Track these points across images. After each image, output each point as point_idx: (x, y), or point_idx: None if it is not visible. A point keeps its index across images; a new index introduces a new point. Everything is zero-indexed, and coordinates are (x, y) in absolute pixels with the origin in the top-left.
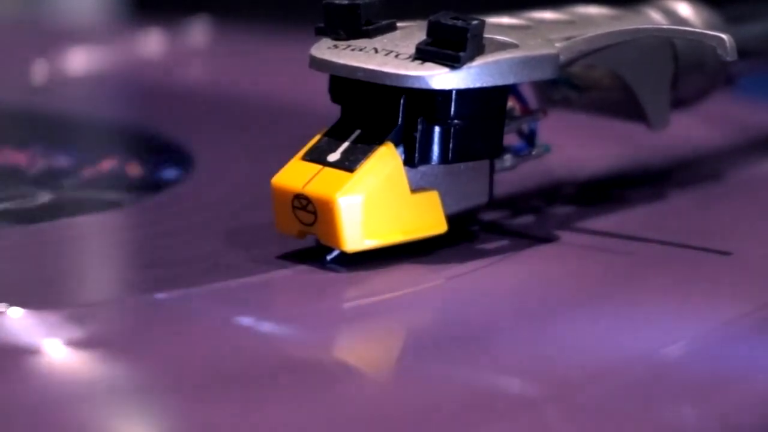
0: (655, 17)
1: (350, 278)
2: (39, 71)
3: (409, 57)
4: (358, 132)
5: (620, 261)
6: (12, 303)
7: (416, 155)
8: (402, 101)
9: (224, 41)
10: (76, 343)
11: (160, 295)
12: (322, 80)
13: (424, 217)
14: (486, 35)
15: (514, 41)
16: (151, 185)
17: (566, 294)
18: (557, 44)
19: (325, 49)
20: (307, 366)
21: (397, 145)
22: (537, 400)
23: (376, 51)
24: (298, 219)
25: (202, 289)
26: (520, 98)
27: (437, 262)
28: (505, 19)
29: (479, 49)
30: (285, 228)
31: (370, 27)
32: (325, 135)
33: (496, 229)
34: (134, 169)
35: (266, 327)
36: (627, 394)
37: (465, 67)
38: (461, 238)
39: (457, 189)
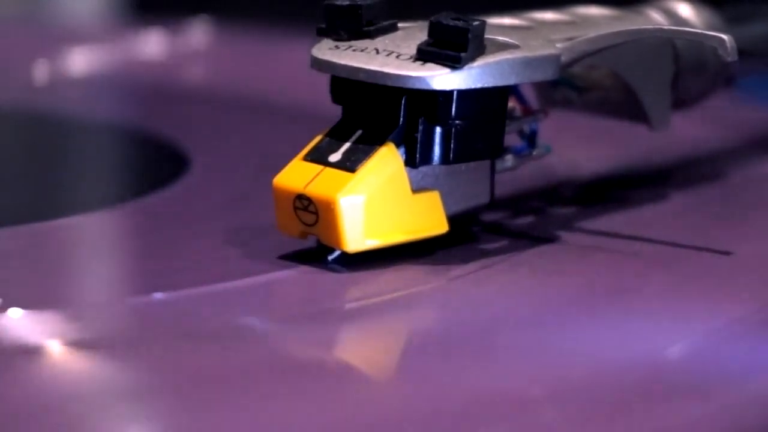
0: (656, 18)
1: (351, 279)
2: (39, 71)
3: (411, 57)
4: (359, 132)
5: (621, 261)
6: (12, 303)
7: (417, 156)
8: (403, 102)
9: (224, 42)
10: (75, 343)
11: (160, 296)
12: (323, 81)
13: (425, 217)
14: (487, 36)
15: (516, 42)
16: (151, 185)
17: (567, 294)
18: (558, 45)
19: (326, 50)
20: (308, 366)
21: (398, 145)
22: (538, 401)
23: (378, 52)
24: (299, 219)
25: (203, 289)
26: (521, 99)
27: (438, 262)
28: (506, 20)
29: (480, 50)
30: (286, 228)
31: (372, 28)
32: (326, 135)
33: (497, 230)
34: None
35: (267, 327)
36: (627, 395)
37: (466, 67)
38: (462, 238)
39: (458, 189)
